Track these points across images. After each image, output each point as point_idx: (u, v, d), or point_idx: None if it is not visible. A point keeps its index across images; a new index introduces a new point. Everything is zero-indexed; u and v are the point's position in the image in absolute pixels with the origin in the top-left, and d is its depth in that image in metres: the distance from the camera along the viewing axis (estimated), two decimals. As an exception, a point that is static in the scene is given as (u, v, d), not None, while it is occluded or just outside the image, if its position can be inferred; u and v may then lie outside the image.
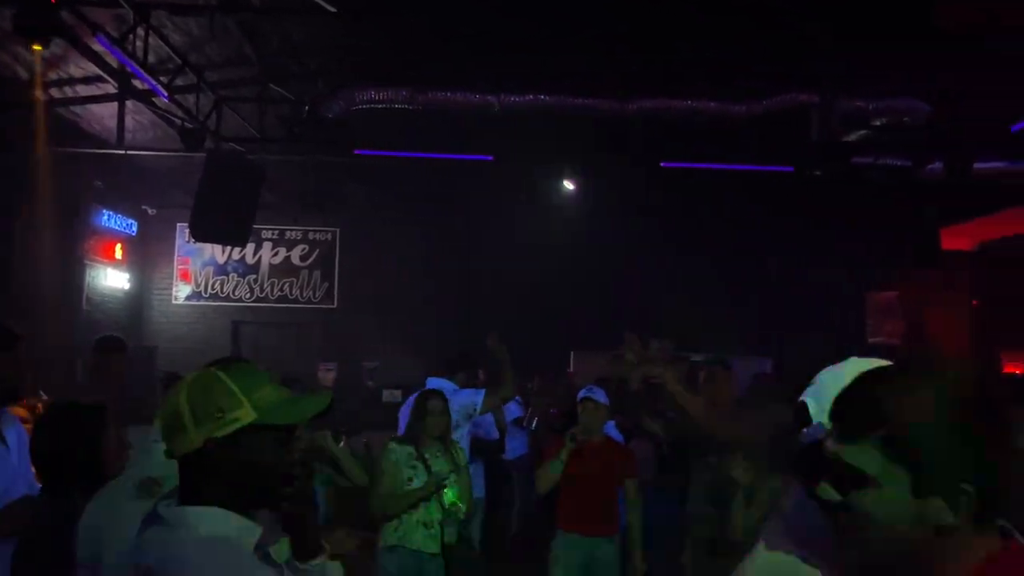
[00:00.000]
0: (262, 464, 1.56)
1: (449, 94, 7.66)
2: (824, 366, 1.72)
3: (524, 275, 11.05)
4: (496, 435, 6.95)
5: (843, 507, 1.11)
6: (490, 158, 8.36)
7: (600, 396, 4.61)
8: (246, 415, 1.53)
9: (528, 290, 11.05)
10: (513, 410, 7.71)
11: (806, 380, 1.74)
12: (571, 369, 10.80)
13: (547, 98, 7.38)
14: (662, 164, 8.48)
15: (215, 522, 1.51)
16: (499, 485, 7.07)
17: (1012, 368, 10.41)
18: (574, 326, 11.05)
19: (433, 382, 5.18)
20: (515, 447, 7.59)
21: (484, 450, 6.42)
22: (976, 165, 8.08)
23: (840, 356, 1.72)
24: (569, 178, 9.09)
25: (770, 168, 8.57)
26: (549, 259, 10.91)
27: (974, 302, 11.92)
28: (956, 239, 11.19)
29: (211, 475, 1.53)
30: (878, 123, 7.68)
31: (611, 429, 5.11)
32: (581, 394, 4.71)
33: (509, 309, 10.51)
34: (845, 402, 1.17)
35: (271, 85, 7.93)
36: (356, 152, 8.76)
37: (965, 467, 1.04)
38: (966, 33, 6.58)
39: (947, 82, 7.34)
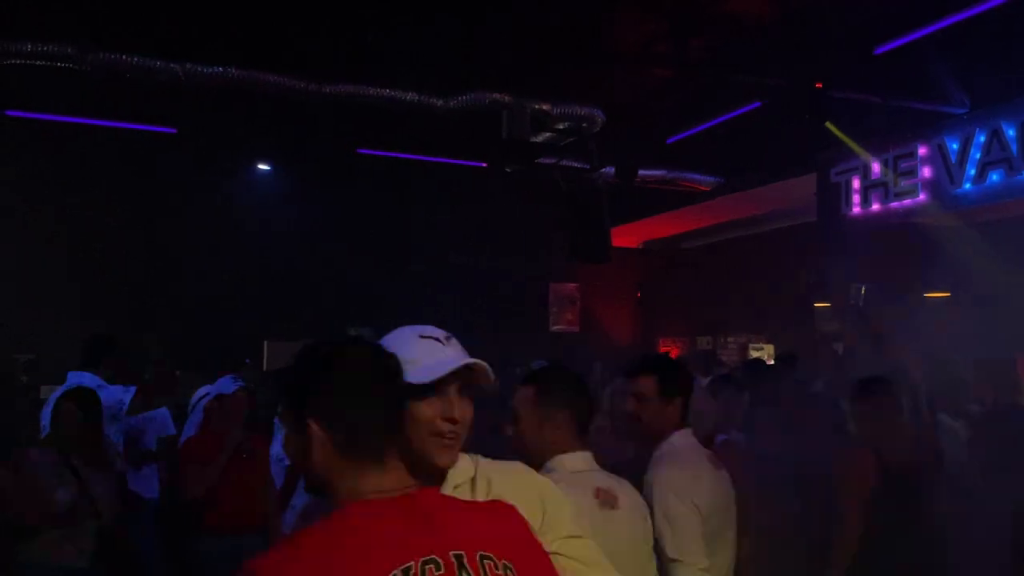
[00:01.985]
0: None
1: (125, 57, 6.90)
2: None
3: (213, 260, 10.35)
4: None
5: None
6: (173, 131, 7.69)
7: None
8: None
9: (217, 276, 10.36)
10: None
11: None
12: (265, 360, 10.34)
13: (236, 71, 6.93)
14: (359, 151, 8.41)
15: None
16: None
17: (667, 351, 11.85)
18: (267, 315, 10.59)
19: (75, 377, 4.62)
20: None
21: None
22: (641, 171, 9.07)
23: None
24: (262, 159, 8.67)
25: (464, 162, 8.88)
26: (240, 244, 10.33)
27: (638, 294, 13.42)
28: (625, 237, 12.46)
29: None
30: (561, 127, 8.29)
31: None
32: None
33: (195, 296, 9.79)
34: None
35: None
36: (8, 113, 7.60)
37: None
38: (632, 53, 7.36)
39: (619, 96, 8.16)
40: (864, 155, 7.88)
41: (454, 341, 1.69)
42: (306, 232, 10.67)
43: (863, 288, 8.30)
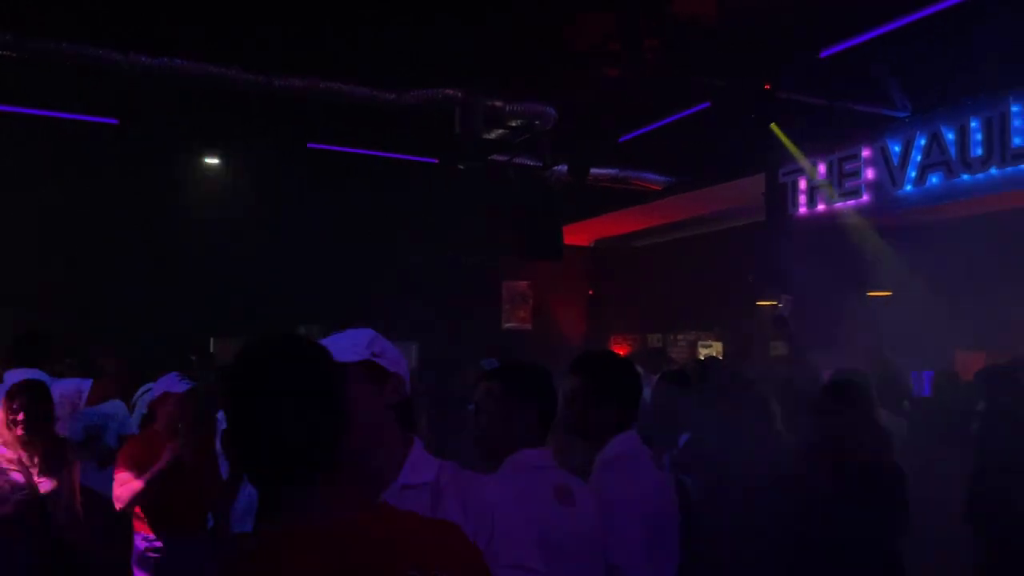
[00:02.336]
0: None
1: (66, 45, 6.71)
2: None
3: (159, 255, 10.11)
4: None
5: None
6: (115, 122, 7.49)
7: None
8: None
9: (164, 271, 10.13)
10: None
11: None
12: (213, 357, 10.14)
13: (182, 62, 6.78)
14: (309, 145, 8.30)
15: None
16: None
17: (618, 349, 11.94)
18: (216, 310, 10.39)
19: (14, 376, 4.28)
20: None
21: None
22: (593, 170, 9.13)
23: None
24: (211, 152, 8.50)
25: (417, 158, 8.83)
26: (187, 238, 10.12)
27: (590, 291, 13.49)
28: (576, 235, 12.53)
29: None
30: (514, 124, 8.30)
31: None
32: None
33: (141, 291, 9.56)
34: None
35: None
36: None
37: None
38: (585, 52, 7.39)
39: (572, 94, 8.18)
40: (802, 160, 8.04)
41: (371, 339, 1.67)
42: (256, 227, 10.49)
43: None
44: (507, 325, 12.95)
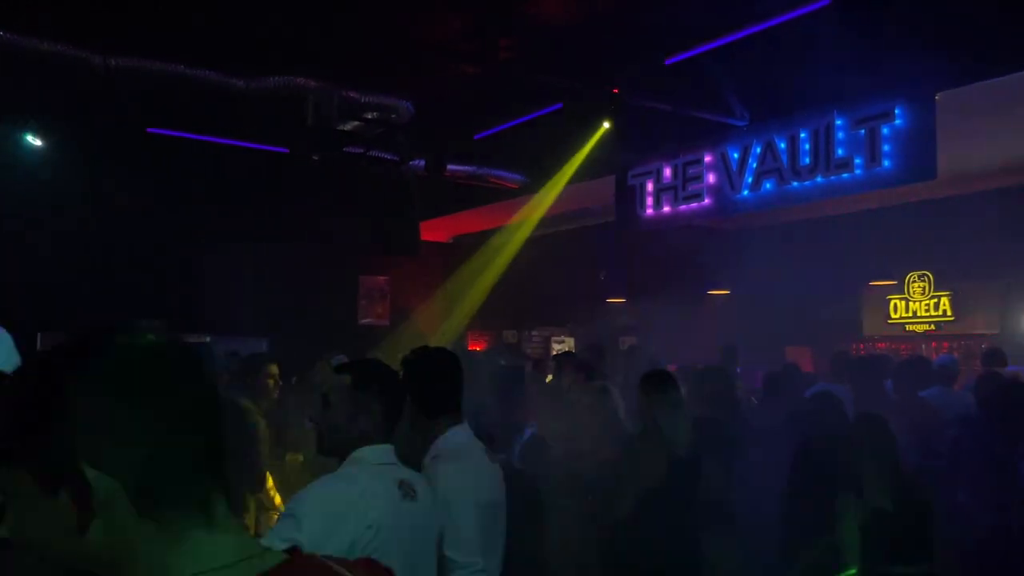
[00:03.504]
0: None
1: None
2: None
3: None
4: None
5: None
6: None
7: None
8: None
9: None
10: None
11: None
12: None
13: (5, 35, 6.23)
14: (148, 130, 7.83)
15: None
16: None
17: (474, 346, 12.01)
18: (43, 305, 9.64)
19: None
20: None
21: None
22: (450, 166, 9.13)
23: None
24: (35, 133, 7.86)
25: (268, 147, 8.52)
26: (8, 225, 9.32)
27: (447, 286, 13.49)
28: (435, 231, 12.50)
29: None
30: (369, 116, 8.15)
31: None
32: None
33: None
34: None
35: None
36: None
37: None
38: (441, 47, 7.37)
39: (429, 90, 8.13)
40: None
41: None
42: (89, 215, 9.80)
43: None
44: (364, 321, 12.76)
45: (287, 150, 8.32)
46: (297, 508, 2.07)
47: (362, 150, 8.41)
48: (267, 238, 10.52)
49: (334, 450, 2.34)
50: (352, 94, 8.00)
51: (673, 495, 3.79)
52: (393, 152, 8.68)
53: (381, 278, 12.81)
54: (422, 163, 8.75)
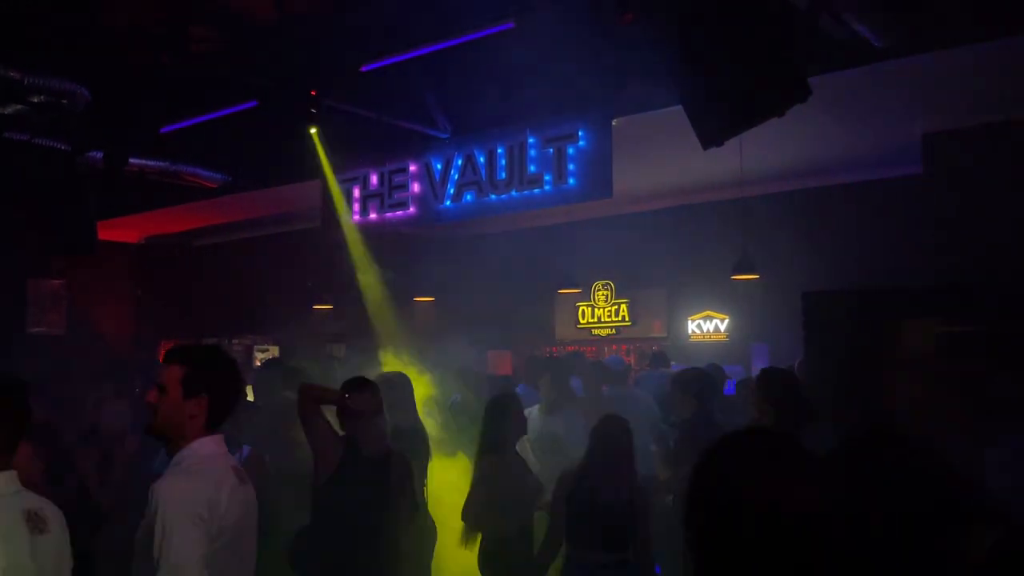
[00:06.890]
0: None
1: None
2: None
3: None
4: None
5: None
6: None
7: None
8: None
9: None
10: None
11: None
12: None
13: None
14: None
15: None
16: None
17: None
18: None
19: None
20: None
21: None
22: (142, 162, 8.34)
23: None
24: None
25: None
26: None
27: (137, 291, 12.36)
28: (122, 231, 11.41)
29: None
30: (35, 100, 7.19)
31: None
32: None
33: None
34: None
35: None
36: None
37: None
38: (126, 32, 6.72)
39: (111, 76, 7.34)
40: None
41: None
42: None
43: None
44: (34, 329, 11.27)
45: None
46: None
47: (27, 137, 7.41)
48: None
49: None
50: (13, 74, 7.00)
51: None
52: (66, 142, 7.76)
53: (56, 281, 11.37)
54: (100, 155, 7.91)
